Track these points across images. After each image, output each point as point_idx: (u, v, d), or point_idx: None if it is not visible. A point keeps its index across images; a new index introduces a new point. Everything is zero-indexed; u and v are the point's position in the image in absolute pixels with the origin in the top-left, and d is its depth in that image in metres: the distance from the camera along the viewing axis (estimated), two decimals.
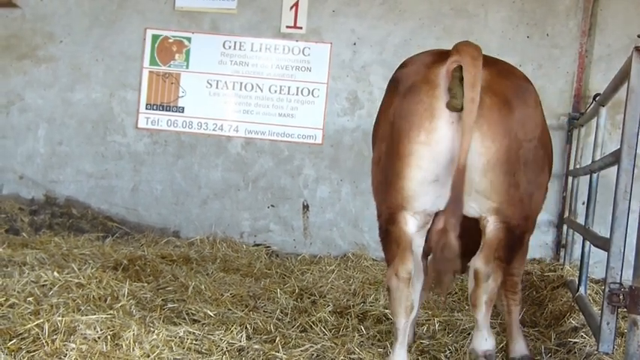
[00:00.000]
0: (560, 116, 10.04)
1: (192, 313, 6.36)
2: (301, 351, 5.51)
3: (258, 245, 10.18)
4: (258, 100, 10.41)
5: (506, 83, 4.92)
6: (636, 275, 4.67)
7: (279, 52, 10.39)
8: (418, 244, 4.95)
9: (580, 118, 9.48)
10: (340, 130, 10.36)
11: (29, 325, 5.32)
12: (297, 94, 10.36)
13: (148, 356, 5.03)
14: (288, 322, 6.40)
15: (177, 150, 10.52)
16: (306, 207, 10.42)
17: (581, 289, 7.10)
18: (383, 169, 4.90)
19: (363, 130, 10.17)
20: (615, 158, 5.42)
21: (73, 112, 10.63)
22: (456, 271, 4.79)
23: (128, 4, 10.54)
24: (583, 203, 8.44)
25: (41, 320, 5.40)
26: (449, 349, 5.88)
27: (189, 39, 10.45)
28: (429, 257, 5.25)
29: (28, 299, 6.10)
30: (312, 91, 10.34)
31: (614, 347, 5.15)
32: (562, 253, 9.81)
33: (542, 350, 6.02)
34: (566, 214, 9.71)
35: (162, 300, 6.68)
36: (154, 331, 5.49)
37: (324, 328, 6.22)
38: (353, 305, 7.04)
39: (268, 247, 10.17)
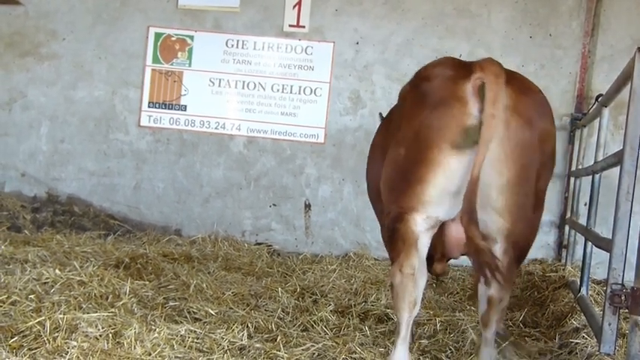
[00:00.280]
0: (562, 117, 10.03)
1: (193, 312, 6.36)
2: (302, 350, 5.51)
3: (259, 244, 10.18)
4: (261, 98, 10.41)
5: (528, 102, 4.98)
6: (638, 276, 4.67)
7: (282, 50, 10.39)
8: (424, 243, 5.00)
9: (582, 119, 9.48)
10: (342, 129, 10.36)
11: (31, 323, 5.33)
12: (299, 93, 10.36)
13: (149, 354, 5.03)
14: (290, 321, 6.40)
15: (179, 148, 10.52)
16: (307, 206, 10.42)
17: (583, 290, 7.10)
18: (400, 172, 4.98)
19: (366, 129, 10.18)
20: (617, 159, 5.42)
21: (75, 110, 10.63)
22: (497, 267, 4.76)
23: (131, 2, 10.54)
24: (585, 204, 8.43)
25: (43, 318, 5.40)
26: (450, 349, 5.88)
27: (191, 37, 10.45)
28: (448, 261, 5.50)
29: (30, 297, 6.10)
30: (315, 90, 10.34)
31: (615, 348, 5.15)
32: (564, 254, 9.81)
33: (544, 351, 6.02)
34: (568, 214, 9.71)
35: (163, 298, 6.68)
36: (155, 330, 5.49)
37: (326, 327, 6.22)
38: (354, 304, 7.04)
39: (270, 246, 10.18)
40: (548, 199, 10.02)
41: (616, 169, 5.34)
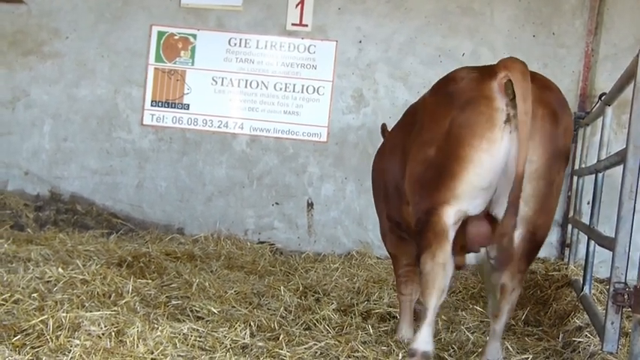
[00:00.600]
0: None
1: (196, 310, 6.36)
2: (305, 349, 5.51)
3: (262, 243, 10.19)
4: (264, 97, 10.41)
5: (552, 96, 5.22)
6: None
7: (285, 49, 10.39)
8: (452, 235, 5.14)
9: (586, 118, 9.46)
10: (345, 128, 10.36)
11: (33, 321, 5.33)
12: (302, 92, 10.36)
13: (152, 353, 5.03)
14: (292, 319, 6.40)
15: (182, 147, 10.53)
16: (310, 205, 10.42)
17: (586, 289, 7.09)
18: (432, 169, 5.13)
19: (368, 128, 10.19)
20: (621, 158, 5.41)
21: (78, 109, 10.64)
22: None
23: (134, 1, 10.55)
24: (588, 203, 8.41)
25: (45, 316, 5.40)
26: (452, 348, 5.88)
27: (194, 36, 10.45)
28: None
29: (33, 295, 6.11)
30: (318, 88, 10.34)
31: (618, 347, 5.15)
32: (567, 253, 9.81)
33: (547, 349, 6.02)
34: (571, 213, 9.70)
35: (166, 297, 6.69)
36: (157, 328, 5.49)
37: (328, 325, 6.22)
38: (357, 303, 7.05)
39: (272, 244, 10.18)
40: None
41: (619, 168, 5.34)
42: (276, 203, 10.47)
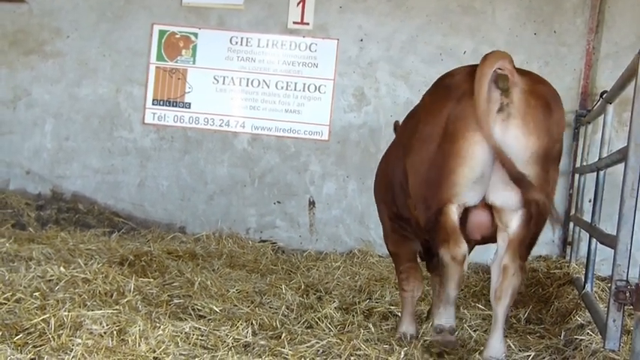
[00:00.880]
0: (567, 113, 9.96)
1: (198, 309, 6.36)
2: (307, 347, 5.51)
3: (264, 241, 10.19)
4: (265, 96, 10.41)
5: (544, 88, 5.35)
6: None
7: (286, 48, 10.39)
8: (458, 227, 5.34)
9: (587, 116, 9.47)
10: (347, 126, 10.36)
11: (35, 320, 5.33)
12: (303, 91, 10.36)
13: (154, 351, 5.03)
14: (294, 318, 6.41)
15: (183, 146, 10.53)
16: (312, 203, 10.42)
17: (588, 287, 7.10)
18: (436, 168, 5.28)
19: (370, 126, 10.19)
20: (622, 155, 5.42)
21: (79, 108, 10.64)
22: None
23: (135, 0, 10.54)
24: (589, 201, 8.42)
25: (47, 315, 5.40)
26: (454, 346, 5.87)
27: (196, 34, 10.45)
28: None
29: (35, 294, 6.11)
30: (319, 87, 10.34)
31: (620, 345, 5.15)
32: (568, 251, 9.81)
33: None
34: (573, 211, 9.71)
35: (168, 295, 6.69)
36: (159, 327, 5.49)
37: (330, 324, 6.22)
38: (359, 302, 7.05)
39: (274, 243, 10.18)
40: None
41: (620, 166, 5.34)
42: (278, 202, 10.47)
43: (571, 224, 9.80)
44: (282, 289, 7.30)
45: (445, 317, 5.61)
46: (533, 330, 6.61)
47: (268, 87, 10.40)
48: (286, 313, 6.50)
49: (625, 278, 4.93)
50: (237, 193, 10.52)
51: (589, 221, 7.39)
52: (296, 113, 10.37)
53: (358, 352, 5.45)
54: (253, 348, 5.46)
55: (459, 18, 10.21)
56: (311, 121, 10.36)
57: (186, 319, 5.97)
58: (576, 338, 5.96)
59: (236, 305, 6.61)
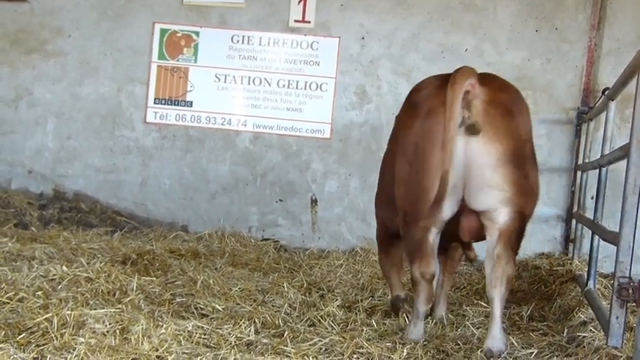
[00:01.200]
0: (569, 110, 10.02)
1: (200, 308, 6.36)
2: (309, 345, 5.51)
3: (266, 240, 10.19)
4: (267, 94, 10.41)
5: (505, 95, 5.62)
6: None
7: (288, 46, 10.38)
8: (437, 245, 5.72)
9: (589, 112, 9.46)
10: (348, 124, 10.35)
11: (38, 319, 5.33)
12: (305, 89, 10.35)
13: (157, 350, 5.03)
14: (297, 316, 6.41)
15: (185, 144, 10.53)
16: (314, 201, 10.42)
17: (590, 284, 7.09)
18: (409, 183, 5.61)
19: (372, 124, 10.19)
20: (624, 152, 5.41)
21: (81, 107, 10.65)
22: None
23: None
24: (592, 198, 8.42)
25: (50, 314, 5.40)
26: (457, 344, 5.87)
27: (197, 33, 10.45)
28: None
29: (37, 293, 6.11)
30: (321, 85, 10.33)
31: (623, 341, 5.15)
32: (571, 248, 9.80)
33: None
34: (575, 208, 9.70)
35: (170, 294, 6.69)
36: (162, 326, 5.49)
37: (333, 322, 6.22)
38: (361, 300, 7.05)
39: (276, 241, 10.18)
40: (554, 193, 10.10)
41: (623, 163, 5.34)
42: (280, 200, 10.47)
43: (573, 221, 9.79)
44: (284, 287, 7.30)
45: (415, 334, 5.89)
46: (535, 327, 6.60)
47: (270, 85, 10.40)
48: (289, 312, 6.50)
49: (628, 275, 4.93)
50: (239, 192, 10.52)
51: (591, 218, 7.39)
52: (298, 111, 10.37)
53: (361, 350, 5.45)
54: (256, 346, 5.46)
55: (461, 15, 10.20)
56: (313, 120, 10.35)
57: (188, 318, 5.97)
58: (579, 335, 5.96)
59: (238, 304, 6.61)
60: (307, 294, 7.23)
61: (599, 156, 7.67)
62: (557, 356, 5.65)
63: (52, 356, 4.79)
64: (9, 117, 10.70)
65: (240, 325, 5.79)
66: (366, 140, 10.25)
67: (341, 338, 5.67)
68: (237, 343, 5.47)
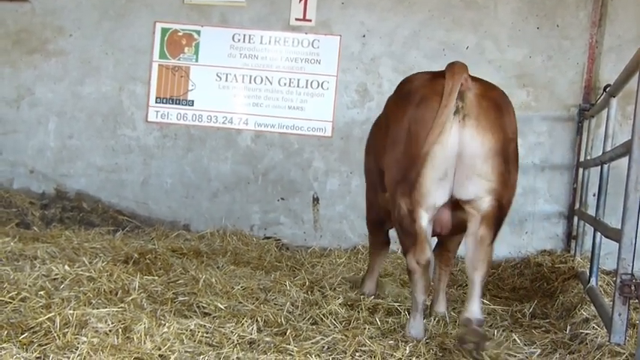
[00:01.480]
0: (570, 107, 10.02)
1: (202, 306, 6.36)
2: (312, 343, 5.51)
3: (268, 238, 10.19)
4: (268, 92, 10.41)
5: (495, 92, 5.85)
6: None
7: (289, 44, 10.38)
8: (430, 232, 5.82)
9: (590, 109, 9.46)
10: (350, 122, 10.35)
11: (41, 319, 5.33)
12: (306, 87, 10.35)
13: (159, 349, 5.03)
14: (299, 314, 6.40)
15: (187, 143, 10.53)
16: (316, 200, 10.42)
17: (593, 281, 7.10)
18: (403, 171, 5.70)
19: (373, 122, 10.17)
20: (626, 149, 5.41)
21: (83, 106, 10.65)
22: None
23: None
24: (594, 195, 8.41)
25: (52, 314, 5.41)
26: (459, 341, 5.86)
27: (198, 32, 10.45)
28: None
29: (40, 293, 6.11)
30: (322, 83, 10.33)
31: (625, 338, 5.15)
32: (573, 245, 9.80)
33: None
34: (577, 205, 9.70)
35: (172, 293, 6.68)
36: (164, 324, 5.50)
37: (335, 320, 6.21)
38: (363, 298, 7.04)
39: (278, 240, 10.18)
40: (556, 191, 10.10)
41: (625, 160, 5.34)
42: (282, 198, 10.47)
43: (575, 218, 9.79)
44: (286, 285, 7.29)
45: (415, 328, 5.94)
46: (538, 324, 6.61)
47: (271, 84, 10.40)
48: (291, 310, 6.49)
49: (630, 272, 4.94)
50: (240, 190, 10.52)
51: (593, 215, 7.39)
52: (299, 110, 10.37)
53: (363, 348, 5.45)
54: (258, 345, 5.46)
55: (462, 13, 10.20)
56: (314, 118, 10.35)
57: (191, 317, 5.97)
58: (582, 332, 5.96)
59: (241, 302, 6.61)
60: (309, 292, 7.22)
61: (600, 153, 7.67)
62: (559, 353, 5.65)
63: (54, 356, 4.80)
64: (11, 117, 10.71)
65: (243, 324, 5.80)
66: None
67: (343, 336, 5.67)
68: (240, 341, 5.47)
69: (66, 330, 5.17)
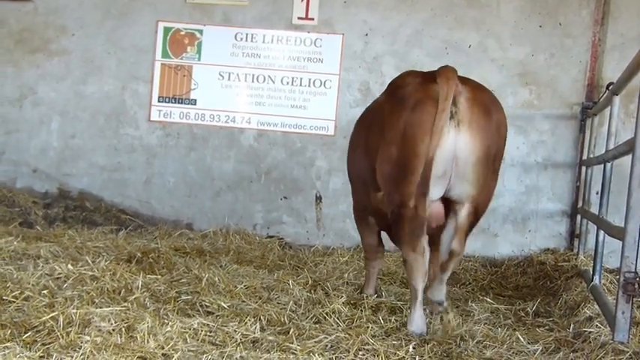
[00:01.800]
0: (573, 106, 10.01)
1: (206, 305, 6.36)
2: (315, 342, 5.51)
3: (271, 237, 10.19)
4: (270, 91, 10.41)
5: (484, 96, 6.02)
6: None
7: (291, 43, 10.38)
8: (425, 224, 5.93)
9: (593, 108, 9.46)
10: (352, 121, 10.21)
11: (44, 318, 5.34)
12: (309, 86, 10.35)
13: (163, 348, 5.04)
14: (302, 313, 6.40)
15: (189, 142, 10.54)
16: (318, 198, 10.42)
17: (596, 279, 7.09)
18: (398, 167, 5.90)
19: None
20: (629, 147, 5.41)
21: (85, 105, 10.66)
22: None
23: None
24: (597, 193, 8.40)
25: (56, 313, 5.41)
26: (463, 340, 5.87)
27: (201, 31, 10.46)
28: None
29: (43, 292, 6.11)
30: (324, 82, 10.33)
31: (629, 336, 5.15)
32: (576, 243, 9.80)
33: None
34: (580, 203, 9.69)
35: (176, 292, 6.68)
36: (168, 323, 5.50)
37: (338, 319, 6.21)
38: (366, 296, 7.04)
39: (281, 238, 10.18)
40: (559, 189, 10.09)
41: (628, 158, 5.34)
42: (285, 197, 10.47)
43: (578, 217, 9.79)
44: (289, 284, 7.29)
45: (416, 322, 6.04)
46: (541, 323, 6.60)
47: (274, 83, 10.40)
48: (294, 309, 6.49)
49: (633, 270, 4.93)
50: (243, 189, 10.52)
51: (596, 213, 7.38)
52: (302, 109, 10.37)
53: (366, 347, 5.45)
54: (262, 343, 5.46)
55: (464, 11, 10.19)
56: (317, 117, 10.35)
57: (194, 316, 5.97)
58: (585, 331, 5.95)
59: (244, 301, 6.61)
60: (312, 291, 7.22)
61: (603, 151, 7.66)
62: (563, 352, 5.65)
63: (57, 355, 4.80)
64: (13, 116, 10.73)
65: (246, 323, 5.80)
66: None
67: (346, 335, 5.68)
68: (243, 340, 5.47)
69: (69, 329, 5.17)
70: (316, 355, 5.22)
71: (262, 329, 5.77)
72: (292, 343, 5.39)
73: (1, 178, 10.71)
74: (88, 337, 5.01)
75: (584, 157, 9.65)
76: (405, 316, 6.39)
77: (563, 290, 7.71)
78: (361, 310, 6.53)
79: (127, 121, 10.61)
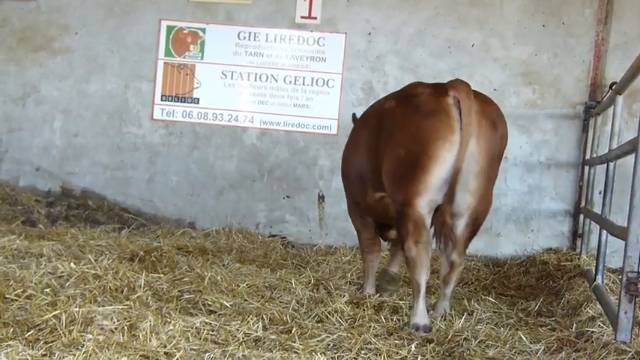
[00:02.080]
0: (576, 105, 10.00)
1: (208, 304, 6.36)
2: (317, 341, 5.51)
3: (273, 236, 10.19)
4: (273, 90, 10.41)
5: (491, 109, 6.29)
6: None
7: (294, 42, 10.38)
8: (428, 222, 6.17)
9: (596, 107, 9.45)
10: None
11: (46, 316, 5.34)
12: (312, 85, 10.35)
13: (165, 347, 5.03)
14: (304, 312, 6.39)
15: (192, 141, 10.54)
16: (321, 198, 10.42)
17: (599, 279, 7.08)
18: (404, 166, 6.13)
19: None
20: (632, 147, 5.40)
21: (88, 104, 10.67)
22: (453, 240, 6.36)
23: None
24: (600, 192, 8.41)
25: (58, 311, 5.42)
26: (465, 338, 5.86)
27: (203, 30, 10.46)
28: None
29: (45, 290, 6.12)
30: (327, 81, 10.33)
31: (631, 336, 5.14)
32: (579, 243, 9.78)
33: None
34: (583, 203, 9.69)
35: (178, 291, 6.69)
36: (170, 322, 5.50)
37: (340, 318, 6.21)
38: (369, 295, 7.04)
39: (284, 237, 10.18)
40: (562, 188, 10.09)
41: (631, 157, 5.33)
42: (287, 196, 10.47)
43: (581, 216, 9.77)
44: (292, 283, 7.29)
45: (419, 315, 6.17)
46: (544, 322, 6.59)
47: (277, 82, 10.40)
48: (296, 308, 6.49)
49: (636, 270, 4.92)
50: (246, 188, 10.52)
51: (599, 213, 7.38)
52: (305, 108, 10.37)
53: (369, 346, 5.45)
54: (264, 342, 5.46)
55: (467, 10, 10.18)
56: (320, 116, 10.35)
57: (196, 314, 5.97)
58: (587, 330, 5.95)
59: (246, 300, 6.61)
60: (315, 290, 7.22)
61: (606, 150, 7.65)
62: (565, 351, 5.64)
63: (60, 353, 4.80)
64: (16, 114, 10.74)
65: (248, 322, 5.80)
66: None
67: (349, 334, 5.68)
68: (245, 339, 5.47)
69: (72, 327, 5.17)
70: (318, 354, 5.21)
71: (264, 328, 5.77)
72: (294, 342, 5.39)
73: (4, 176, 10.73)
74: (90, 336, 5.01)
75: (587, 156, 9.63)
76: (407, 314, 6.40)
77: (566, 290, 7.71)
78: (363, 310, 6.53)
79: (130, 120, 10.62)
